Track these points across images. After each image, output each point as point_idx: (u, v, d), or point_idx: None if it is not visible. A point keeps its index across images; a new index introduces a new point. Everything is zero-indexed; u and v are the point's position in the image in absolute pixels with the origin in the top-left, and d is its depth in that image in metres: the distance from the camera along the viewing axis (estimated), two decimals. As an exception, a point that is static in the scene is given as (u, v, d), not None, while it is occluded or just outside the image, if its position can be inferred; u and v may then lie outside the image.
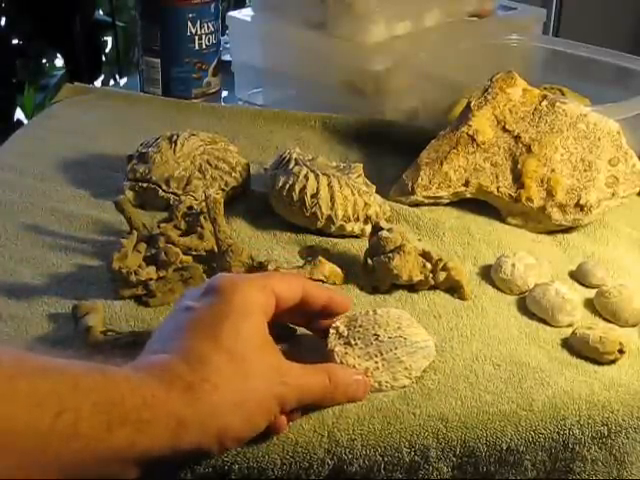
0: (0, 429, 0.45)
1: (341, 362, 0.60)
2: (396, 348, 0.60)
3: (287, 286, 0.58)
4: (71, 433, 0.46)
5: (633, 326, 0.69)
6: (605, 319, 0.70)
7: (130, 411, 0.48)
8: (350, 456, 0.55)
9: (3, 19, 2.03)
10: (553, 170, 0.83)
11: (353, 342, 0.60)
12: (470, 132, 0.85)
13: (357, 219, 0.79)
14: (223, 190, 0.83)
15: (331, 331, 0.61)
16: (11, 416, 0.45)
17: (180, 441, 0.50)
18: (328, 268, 0.73)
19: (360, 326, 0.61)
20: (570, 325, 0.68)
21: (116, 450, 0.48)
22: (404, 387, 0.60)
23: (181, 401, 0.50)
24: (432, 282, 0.72)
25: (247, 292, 0.55)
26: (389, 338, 0.61)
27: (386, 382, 0.60)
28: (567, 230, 0.83)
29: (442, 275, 0.71)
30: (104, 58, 2.16)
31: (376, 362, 0.60)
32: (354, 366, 0.59)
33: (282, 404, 0.53)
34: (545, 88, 0.95)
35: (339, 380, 0.57)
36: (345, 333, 0.61)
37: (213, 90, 1.14)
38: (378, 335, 0.61)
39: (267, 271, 0.70)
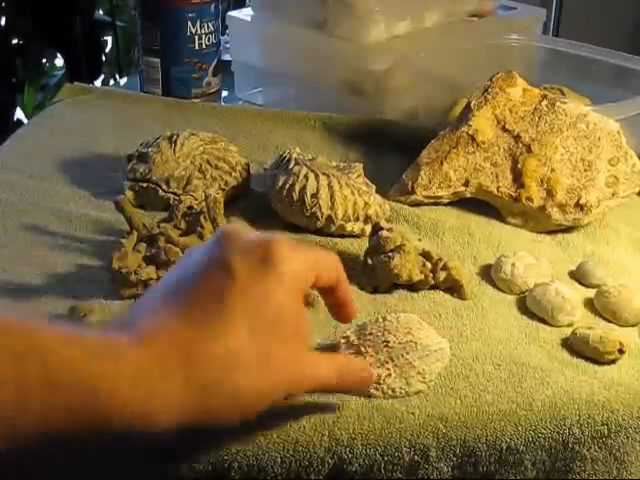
0: None
1: None
2: (407, 353, 0.60)
3: (327, 267, 0.55)
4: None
5: (633, 326, 0.69)
6: (605, 319, 0.70)
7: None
8: (350, 455, 0.55)
9: (3, 19, 2.03)
10: (553, 170, 0.83)
11: (364, 350, 0.60)
12: (470, 132, 0.85)
13: (357, 219, 0.79)
14: (223, 190, 0.83)
15: (342, 341, 0.61)
16: None
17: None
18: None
19: (370, 334, 0.61)
20: (570, 325, 0.68)
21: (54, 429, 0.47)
22: (419, 392, 0.59)
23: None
24: (432, 282, 0.72)
25: (297, 270, 0.52)
26: (399, 344, 0.60)
27: (400, 388, 0.59)
28: (567, 230, 0.83)
29: (442, 275, 0.71)
30: (104, 58, 2.16)
31: (388, 369, 0.59)
32: None
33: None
34: (545, 88, 0.95)
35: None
36: (355, 342, 0.61)
37: (213, 90, 1.14)
38: (388, 341, 0.60)
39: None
